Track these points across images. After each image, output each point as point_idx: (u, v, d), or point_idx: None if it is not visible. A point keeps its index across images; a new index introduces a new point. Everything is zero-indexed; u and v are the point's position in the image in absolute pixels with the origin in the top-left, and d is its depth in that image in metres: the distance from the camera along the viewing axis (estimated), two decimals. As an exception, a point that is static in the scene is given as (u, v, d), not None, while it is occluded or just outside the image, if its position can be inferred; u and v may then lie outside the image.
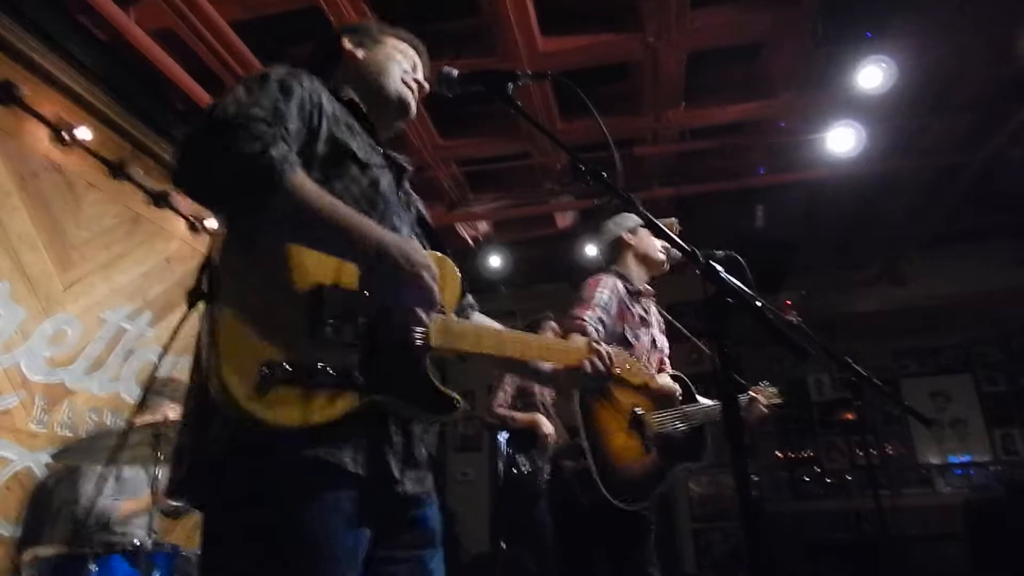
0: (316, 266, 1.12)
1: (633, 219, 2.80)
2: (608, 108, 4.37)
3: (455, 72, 1.53)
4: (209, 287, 1.04)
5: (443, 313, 1.28)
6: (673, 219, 2.73)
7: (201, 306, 1.05)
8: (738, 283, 1.21)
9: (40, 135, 3.34)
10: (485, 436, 7.26)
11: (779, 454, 7.20)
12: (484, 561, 5.59)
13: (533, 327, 4.29)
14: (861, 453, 6.83)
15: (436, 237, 1.47)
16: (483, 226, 6.06)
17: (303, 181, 1.07)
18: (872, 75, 3.82)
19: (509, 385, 4.14)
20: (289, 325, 1.07)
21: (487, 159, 5.06)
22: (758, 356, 5.24)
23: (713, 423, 2.62)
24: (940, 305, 6.43)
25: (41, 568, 2.41)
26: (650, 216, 1.37)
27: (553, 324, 3.93)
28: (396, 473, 1.19)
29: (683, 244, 1.29)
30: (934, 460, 6.89)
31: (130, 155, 3.86)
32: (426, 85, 1.57)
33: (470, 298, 1.56)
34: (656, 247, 2.77)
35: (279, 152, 1.04)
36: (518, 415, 4.04)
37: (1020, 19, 3.66)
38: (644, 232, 2.79)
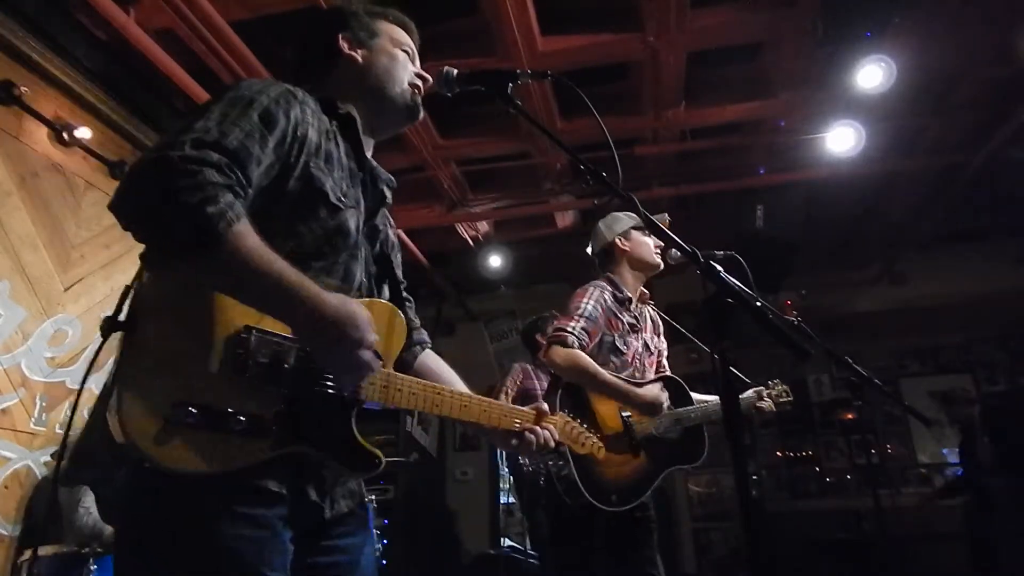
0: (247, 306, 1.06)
1: (625, 221, 2.77)
2: (608, 108, 4.36)
3: (455, 72, 1.52)
4: (128, 317, 0.99)
5: (383, 367, 1.23)
6: (664, 214, 2.71)
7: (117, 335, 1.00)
8: (738, 283, 1.21)
9: (40, 135, 3.34)
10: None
11: (779, 454, 7.21)
12: (484, 561, 5.58)
13: (536, 325, 4.29)
14: (861, 453, 6.83)
15: (393, 273, 1.43)
16: (483, 226, 6.05)
17: (243, 240, 0.98)
18: (872, 75, 3.81)
19: (511, 386, 4.14)
20: (208, 365, 1.01)
21: (487, 159, 5.05)
22: (758, 357, 5.24)
23: (711, 422, 2.61)
24: (940, 305, 6.42)
25: (41, 567, 2.41)
26: (650, 217, 1.36)
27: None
28: (325, 502, 1.18)
29: (683, 244, 1.28)
30: (934, 460, 6.89)
31: (130, 155, 3.86)
32: (428, 77, 1.51)
33: (424, 335, 1.54)
34: (651, 249, 2.73)
35: (217, 208, 0.95)
36: None
37: (1020, 19, 3.66)
38: (637, 234, 2.75)
